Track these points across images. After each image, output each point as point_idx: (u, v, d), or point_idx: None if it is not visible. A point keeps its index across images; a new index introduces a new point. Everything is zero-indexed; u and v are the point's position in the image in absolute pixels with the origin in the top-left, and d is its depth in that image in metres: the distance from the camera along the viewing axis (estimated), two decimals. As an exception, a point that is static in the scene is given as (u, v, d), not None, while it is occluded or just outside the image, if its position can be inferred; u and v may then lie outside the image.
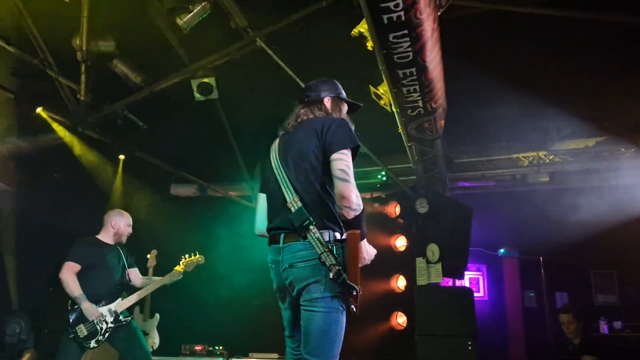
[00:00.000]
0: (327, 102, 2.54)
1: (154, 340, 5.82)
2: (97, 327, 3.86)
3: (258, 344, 5.87)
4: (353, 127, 2.43)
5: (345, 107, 2.61)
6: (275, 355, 5.64)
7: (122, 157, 6.04)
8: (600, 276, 8.15)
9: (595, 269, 8.09)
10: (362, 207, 2.17)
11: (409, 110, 3.90)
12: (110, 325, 3.92)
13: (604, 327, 6.54)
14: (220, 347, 5.77)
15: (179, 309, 6.42)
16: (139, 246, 5.98)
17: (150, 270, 5.77)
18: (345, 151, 2.22)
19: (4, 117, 4.68)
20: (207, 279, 6.54)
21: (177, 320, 6.24)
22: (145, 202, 7.49)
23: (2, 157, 5.96)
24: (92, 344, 3.84)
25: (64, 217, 6.31)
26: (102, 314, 3.90)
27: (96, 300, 3.93)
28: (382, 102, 4.66)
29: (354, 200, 2.14)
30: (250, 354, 5.68)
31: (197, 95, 5.23)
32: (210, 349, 5.78)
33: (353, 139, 2.28)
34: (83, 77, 4.61)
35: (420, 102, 3.72)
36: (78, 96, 4.83)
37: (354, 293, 2.11)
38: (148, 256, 5.85)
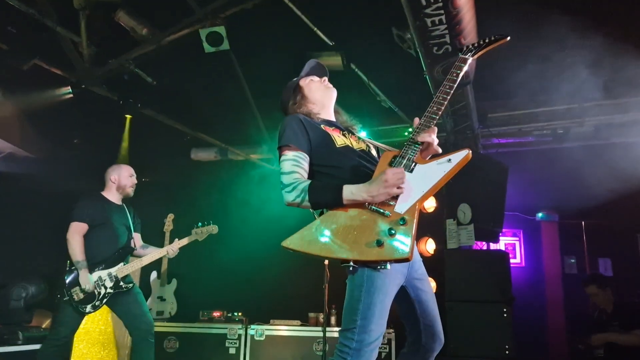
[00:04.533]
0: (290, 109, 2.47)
1: (172, 306, 5.68)
2: (95, 291, 3.63)
3: (279, 310, 5.63)
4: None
5: (306, 87, 2.47)
6: (298, 322, 5.39)
7: (129, 116, 5.78)
8: (647, 240, 7.62)
9: (641, 232, 7.55)
10: (304, 189, 2.05)
11: (435, 48, 3.45)
12: (109, 290, 3.68)
13: (652, 294, 6.06)
14: (240, 314, 5.55)
15: (198, 274, 6.25)
16: (158, 210, 5.84)
17: (167, 235, 5.61)
18: (281, 156, 2.19)
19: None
20: (227, 244, 6.32)
21: (195, 286, 6.09)
22: (165, 166, 7.31)
23: (18, 120, 5.79)
24: (88, 308, 3.62)
25: (85, 183, 6.17)
26: (100, 278, 3.66)
27: (97, 263, 3.69)
28: (405, 46, 4.23)
29: (290, 200, 2.09)
30: (271, 321, 5.43)
31: (206, 46, 4.88)
32: (229, 315, 5.56)
33: (280, 139, 2.22)
34: (83, 26, 4.29)
35: (448, 37, 3.26)
36: (80, 49, 4.54)
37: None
38: (165, 220, 5.71)
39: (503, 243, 7.96)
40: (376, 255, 1.85)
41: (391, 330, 5.06)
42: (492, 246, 7.17)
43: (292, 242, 1.97)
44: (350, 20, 4.88)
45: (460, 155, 2.02)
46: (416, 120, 2.16)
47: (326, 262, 4.10)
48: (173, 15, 4.87)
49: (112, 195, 4.01)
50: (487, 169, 5.40)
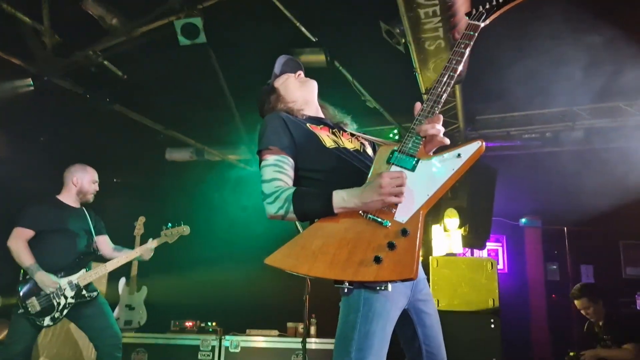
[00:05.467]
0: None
1: (141, 315, 5.35)
2: (54, 302, 3.28)
3: (256, 320, 5.33)
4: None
5: (282, 87, 2.18)
6: (276, 332, 5.10)
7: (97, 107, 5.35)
8: (630, 247, 7.57)
9: (624, 239, 7.51)
10: (287, 198, 1.75)
11: (427, 43, 3.21)
12: (70, 300, 3.34)
13: (640, 303, 5.93)
14: (214, 324, 5.23)
15: (169, 281, 5.92)
16: (129, 213, 5.51)
17: (138, 239, 5.27)
18: (262, 161, 1.88)
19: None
20: (202, 249, 6.04)
21: (167, 294, 5.76)
22: (138, 166, 6.97)
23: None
24: (47, 321, 3.27)
25: (52, 185, 5.78)
26: (60, 287, 3.32)
27: (54, 271, 3.34)
28: (394, 42, 3.99)
29: (272, 213, 1.78)
30: (247, 331, 5.13)
31: (181, 38, 4.59)
32: (203, 325, 5.24)
33: (260, 142, 1.91)
34: (45, 12, 3.94)
35: (441, 30, 3.02)
36: (43, 38, 4.18)
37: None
38: (136, 223, 5.39)
39: (486, 249, 7.81)
40: (375, 275, 1.56)
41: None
42: (476, 253, 7.02)
43: (276, 260, 1.68)
44: (335, 14, 4.64)
45: (472, 149, 1.66)
46: (417, 105, 1.81)
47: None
48: (146, 5, 4.56)
49: (69, 198, 3.68)
50: (475, 173, 5.20)
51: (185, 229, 4.02)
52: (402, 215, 1.63)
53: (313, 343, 4.72)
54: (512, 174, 6.34)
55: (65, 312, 3.34)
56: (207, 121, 6.34)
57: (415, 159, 1.72)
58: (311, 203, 1.72)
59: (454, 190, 5.19)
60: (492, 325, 4.82)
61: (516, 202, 7.45)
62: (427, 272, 4.87)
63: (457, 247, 5.06)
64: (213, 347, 4.90)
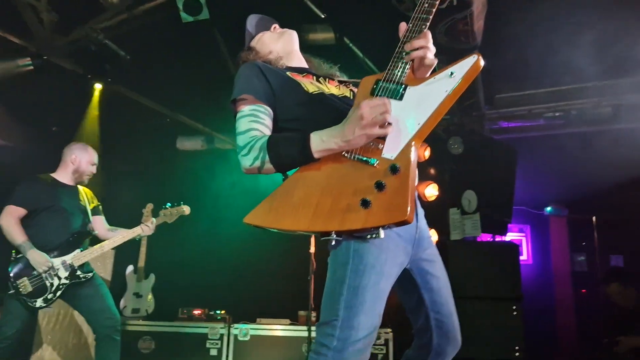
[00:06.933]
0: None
1: (149, 303, 5.21)
2: (46, 282, 3.14)
3: (267, 309, 5.14)
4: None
5: (258, 44, 2.02)
6: (287, 321, 4.91)
7: (98, 86, 5.26)
8: (663, 237, 7.17)
9: (657, 228, 7.10)
10: (262, 147, 1.54)
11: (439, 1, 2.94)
12: (64, 281, 3.18)
13: (676, 291, 5.57)
14: (223, 312, 5.07)
15: (178, 268, 5.76)
16: (137, 201, 5.38)
17: (145, 226, 5.14)
18: (236, 113, 1.68)
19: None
20: (210, 236, 5.90)
21: (175, 282, 5.60)
22: (147, 153, 6.85)
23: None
24: (39, 302, 3.14)
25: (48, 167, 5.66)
26: (53, 267, 3.18)
27: (48, 250, 3.20)
28: (402, 8, 3.76)
29: (248, 165, 1.58)
30: (257, 320, 4.96)
31: (184, 15, 4.44)
32: (211, 313, 5.08)
33: (233, 92, 1.71)
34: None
35: (453, -16, 2.78)
36: (40, 15, 4.06)
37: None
38: (144, 210, 5.25)
39: (509, 239, 7.52)
40: (363, 222, 1.35)
41: (389, 330, 4.56)
42: (498, 239, 6.72)
43: (256, 217, 1.50)
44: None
45: (467, 65, 1.43)
46: (402, 25, 1.60)
47: (312, 249, 3.60)
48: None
49: (64, 176, 3.55)
50: (494, 153, 4.93)
51: (185, 209, 3.89)
52: (391, 150, 1.42)
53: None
54: (535, 158, 6.03)
55: (58, 293, 3.19)
56: (216, 106, 6.17)
57: (403, 86, 1.50)
58: (287, 149, 1.52)
59: (473, 171, 4.91)
60: (515, 313, 4.56)
61: (540, 189, 7.15)
62: (444, 257, 4.69)
63: (476, 230, 4.78)
64: (221, 335, 4.74)
